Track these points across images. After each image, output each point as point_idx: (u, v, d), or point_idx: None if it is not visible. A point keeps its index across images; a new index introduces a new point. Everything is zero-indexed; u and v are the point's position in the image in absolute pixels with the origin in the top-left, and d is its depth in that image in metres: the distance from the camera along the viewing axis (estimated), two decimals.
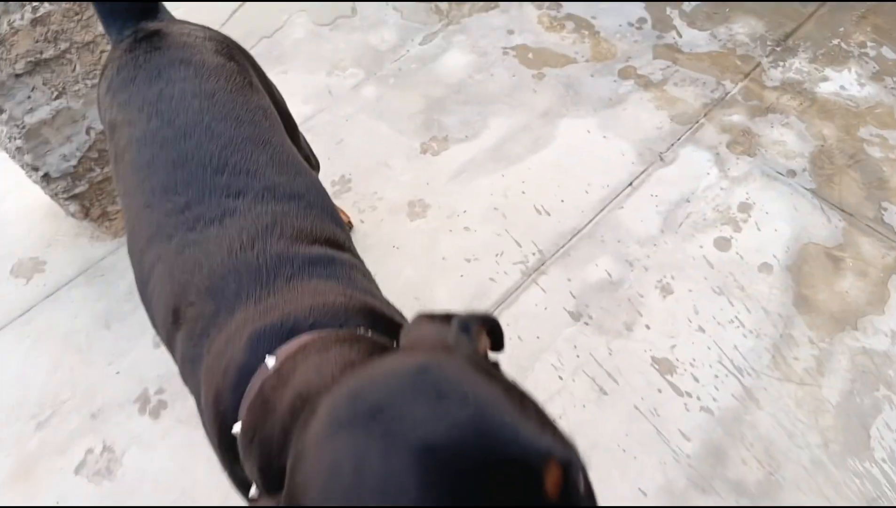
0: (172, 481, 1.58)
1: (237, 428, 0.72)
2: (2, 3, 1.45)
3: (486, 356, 0.67)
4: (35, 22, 1.52)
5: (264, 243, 0.84)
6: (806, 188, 1.92)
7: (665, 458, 1.52)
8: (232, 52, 1.15)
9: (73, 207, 1.85)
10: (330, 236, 0.92)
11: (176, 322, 0.85)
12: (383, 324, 0.79)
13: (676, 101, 2.17)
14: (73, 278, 1.95)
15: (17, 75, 1.56)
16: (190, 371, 0.84)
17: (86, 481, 1.60)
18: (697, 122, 2.11)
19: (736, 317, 1.71)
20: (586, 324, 1.73)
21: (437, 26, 2.51)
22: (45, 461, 1.63)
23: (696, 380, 1.62)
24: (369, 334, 0.75)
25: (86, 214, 1.89)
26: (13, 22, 1.48)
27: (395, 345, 0.73)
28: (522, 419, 0.49)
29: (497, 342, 0.71)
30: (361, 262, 0.95)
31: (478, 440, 0.47)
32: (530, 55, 2.36)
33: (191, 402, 1.68)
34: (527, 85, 2.27)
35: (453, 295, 1.79)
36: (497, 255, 1.88)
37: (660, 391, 1.61)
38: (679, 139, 2.07)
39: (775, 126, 2.07)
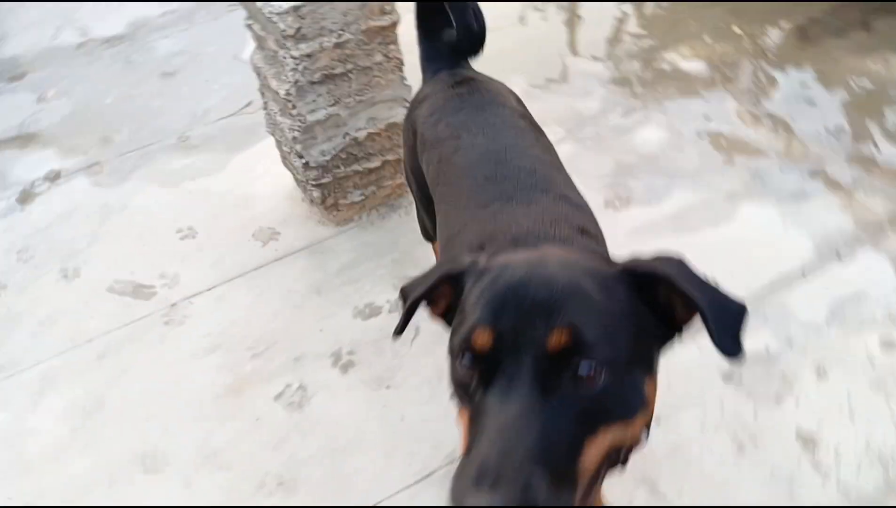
0: (347, 427, 1.87)
1: None
2: (318, 29, 1.91)
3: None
4: (336, 45, 1.97)
5: (560, 227, 1.13)
6: None
7: None
8: (524, 104, 1.57)
9: (316, 193, 2.28)
10: (595, 234, 1.22)
11: (480, 249, 1.14)
12: None
13: (863, 207, 2.24)
14: (299, 250, 2.37)
15: (312, 83, 2.01)
16: None
17: (281, 408, 1.94)
18: (882, 230, 2.17)
19: (892, 416, 1.74)
20: (736, 387, 1.84)
21: (638, 103, 2.77)
22: (253, 385, 2.00)
23: (838, 461, 1.67)
24: None
25: (322, 200, 2.32)
26: (324, 43, 1.93)
27: None
28: (583, 309, 0.76)
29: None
30: None
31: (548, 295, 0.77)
32: (723, 142, 2.54)
33: (374, 367, 1.99)
34: (715, 167, 2.45)
35: None
36: None
37: (798, 462, 1.68)
38: (860, 242, 2.14)
39: None
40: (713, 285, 0.83)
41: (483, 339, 0.75)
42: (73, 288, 2.35)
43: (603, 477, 0.81)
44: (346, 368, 2.01)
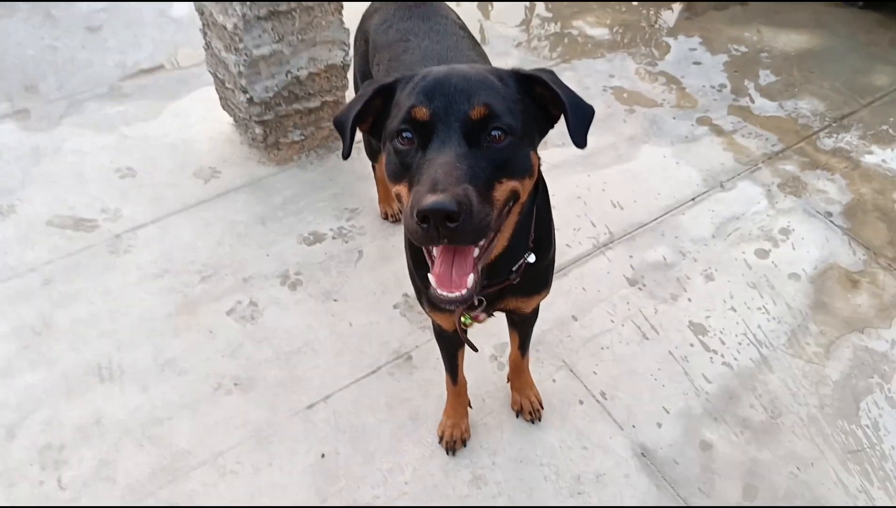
0: (299, 334, 2.03)
1: None
2: None
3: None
4: None
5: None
6: (838, 226, 2.32)
7: (687, 391, 1.89)
8: (462, 21, 1.79)
9: (258, 129, 2.40)
10: None
11: None
12: None
13: (741, 147, 2.62)
14: (240, 187, 2.49)
15: (258, 18, 2.15)
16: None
17: (233, 321, 2.06)
18: (756, 165, 2.55)
19: (763, 306, 2.09)
20: (640, 289, 2.14)
21: (550, 62, 3.06)
22: (204, 303, 2.11)
23: (723, 343, 2.00)
24: None
25: (264, 138, 2.44)
26: None
27: None
28: (493, 94, 1.01)
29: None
30: None
31: (469, 85, 1.00)
32: (625, 95, 2.86)
33: (321, 283, 2.15)
34: (618, 116, 2.77)
35: None
36: (575, 229, 2.32)
37: (691, 345, 1.99)
38: (739, 175, 2.51)
39: (821, 179, 2.49)
40: (574, 92, 1.08)
41: (421, 113, 0.97)
42: (10, 223, 2.36)
43: (508, 211, 1.05)
44: (294, 286, 2.16)
